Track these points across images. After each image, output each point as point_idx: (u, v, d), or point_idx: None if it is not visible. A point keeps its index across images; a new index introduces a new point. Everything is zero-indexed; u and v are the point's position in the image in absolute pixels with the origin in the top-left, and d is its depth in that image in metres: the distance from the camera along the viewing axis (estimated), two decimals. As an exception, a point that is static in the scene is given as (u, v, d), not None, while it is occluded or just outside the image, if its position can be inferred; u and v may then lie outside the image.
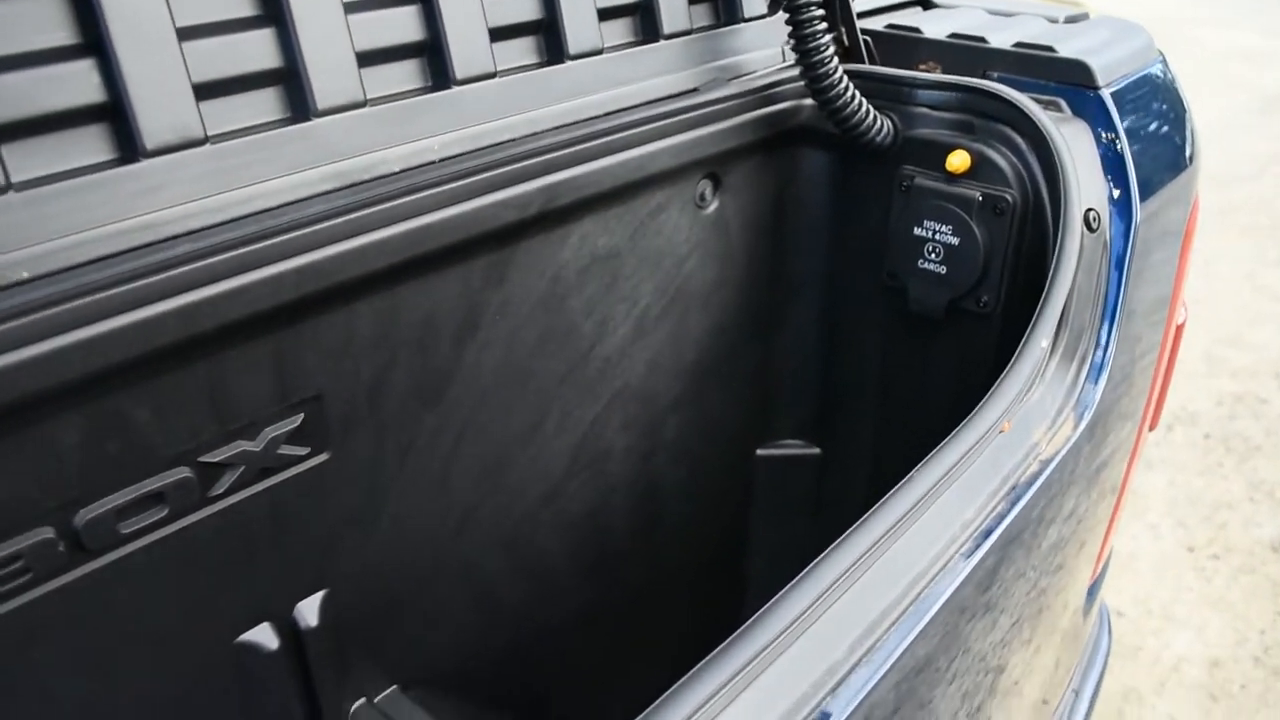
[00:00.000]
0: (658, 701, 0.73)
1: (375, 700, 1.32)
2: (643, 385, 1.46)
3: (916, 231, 1.47)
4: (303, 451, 1.11)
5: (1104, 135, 1.42)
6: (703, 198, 1.43)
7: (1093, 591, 1.78)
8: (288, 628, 1.19)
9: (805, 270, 1.62)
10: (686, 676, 0.75)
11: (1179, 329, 1.70)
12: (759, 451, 1.76)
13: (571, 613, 1.53)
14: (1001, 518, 1.00)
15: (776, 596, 0.82)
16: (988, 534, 0.98)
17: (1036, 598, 1.20)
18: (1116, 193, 1.41)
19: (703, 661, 0.76)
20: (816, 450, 1.78)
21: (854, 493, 1.77)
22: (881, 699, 0.83)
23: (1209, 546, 3.00)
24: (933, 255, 1.47)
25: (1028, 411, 1.08)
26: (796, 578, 0.84)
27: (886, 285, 1.56)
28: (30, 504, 0.93)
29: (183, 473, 1.02)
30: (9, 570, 0.94)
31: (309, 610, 1.19)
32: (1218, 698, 2.55)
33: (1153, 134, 1.49)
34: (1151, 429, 1.78)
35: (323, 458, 1.13)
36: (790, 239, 1.59)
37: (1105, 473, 1.41)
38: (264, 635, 1.17)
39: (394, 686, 1.35)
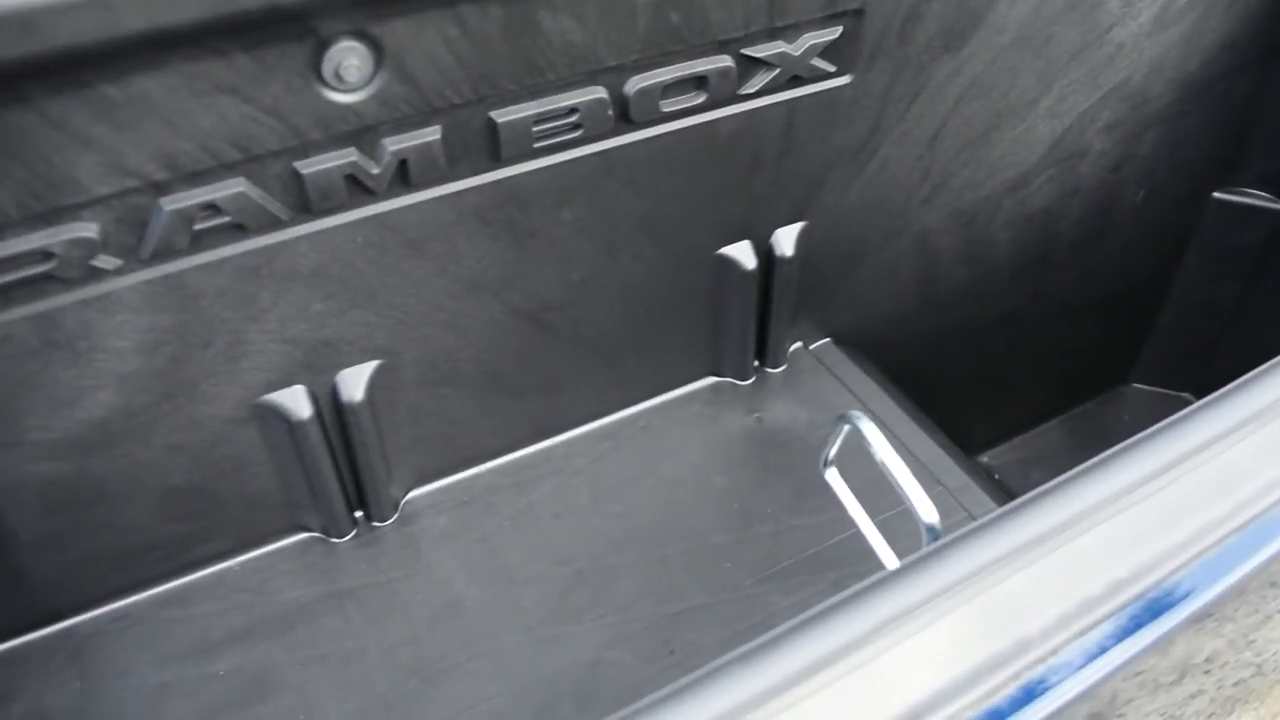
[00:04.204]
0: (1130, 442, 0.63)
1: (810, 348, 1.33)
2: (1140, 86, 1.32)
3: None
4: (830, 69, 1.05)
5: None
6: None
7: None
8: (764, 252, 1.18)
9: (1351, -11, 1.39)
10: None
11: None
12: (1216, 194, 1.59)
13: (998, 308, 1.47)
14: None
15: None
16: None
17: None
18: None
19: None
20: (1282, 206, 1.59)
21: (1313, 263, 1.59)
22: None
23: None
24: None
25: None
26: None
27: None
28: (594, 59, 0.92)
29: (725, 61, 0.99)
30: (567, 122, 0.95)
31: (786, 239, 1.18)
32: None
33: None
34: None
35: (844, 80, 1.07)
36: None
37: None
38: (743, 253, 1.17)
39: (828, 339, 1.34)
